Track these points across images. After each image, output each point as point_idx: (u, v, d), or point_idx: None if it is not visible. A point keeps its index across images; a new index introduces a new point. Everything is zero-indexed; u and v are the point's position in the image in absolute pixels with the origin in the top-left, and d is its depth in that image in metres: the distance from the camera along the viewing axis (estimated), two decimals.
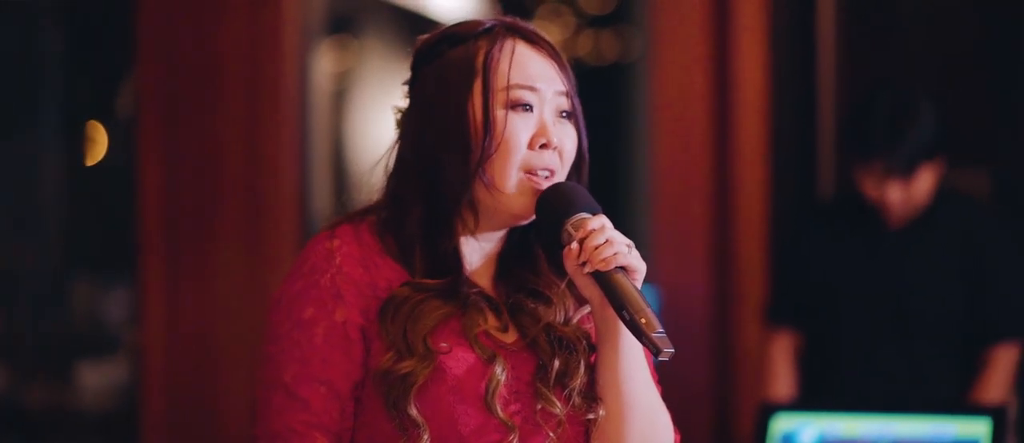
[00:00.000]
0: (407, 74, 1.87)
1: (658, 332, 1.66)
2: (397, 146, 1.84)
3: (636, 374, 1.77)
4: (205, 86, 4.32)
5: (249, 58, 4.30)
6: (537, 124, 1.79)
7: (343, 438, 1.76)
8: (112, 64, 4.89)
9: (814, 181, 4.20)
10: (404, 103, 1.85)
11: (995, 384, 3.64)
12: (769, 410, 3.20)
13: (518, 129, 1.77)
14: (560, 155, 1.80)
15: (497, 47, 1.79)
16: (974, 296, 3.66)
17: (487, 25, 1.82)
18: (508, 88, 1.78)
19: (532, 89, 1.79)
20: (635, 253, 1.73)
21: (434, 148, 1.78)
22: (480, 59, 1.79)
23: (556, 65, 1.82)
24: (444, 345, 1.73)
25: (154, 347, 4.34)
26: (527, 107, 1.79)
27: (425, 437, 1.71)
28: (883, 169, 3.60)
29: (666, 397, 1.83)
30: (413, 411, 1.71)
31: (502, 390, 1.73)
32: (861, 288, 3.70)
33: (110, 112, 5.04)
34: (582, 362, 1.77)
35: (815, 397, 3.70)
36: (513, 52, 1.79)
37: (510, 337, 1.78)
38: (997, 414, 3.04)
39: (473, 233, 1.81)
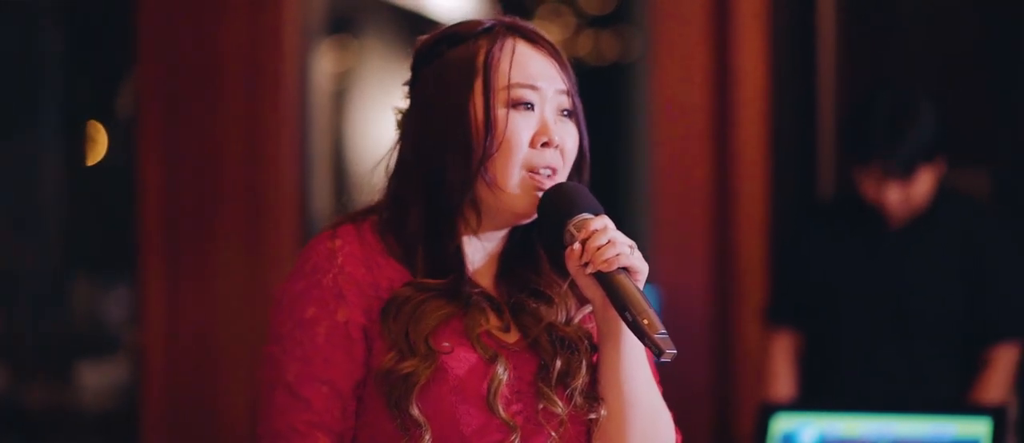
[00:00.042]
0: (407, 74, 1.87)
1: (660, 333, 1.66)
2: (398, 146, 1.84)
3: (638, 374, 1.78)
4: (205, 86, 4.32)
5: (249, 58, 4.30)
6: (538, 123, 1.79)
7: (345, 438, 1.76)
8: (112, 64, 4.89)
9: (814, 181, 4.20)
10: (404, 103, 1.86)
11: (995, 384, 3.64)
12: (769, 410, 3.20)
13: (519, 128, 1.78)
14: (562, 153, 1.80)
15: (498, 46, 1.80)
16: (974, 296, 3.66)
17: (487, 24, 1.83)
18: (509, 87, 1.78)
19: (533, 88, 1.79)
20: (637, 254, 1.73)
21: (435, 148, 1.78)
22: (481, 58, 1.79)
23: (557, 64, 1.82)
24: (446, 345, 1.74)
25: (154, 347, 4.34)
26: (528, 106, 1.79)
27: (427, 437, 1.71)
28: (882, 171, 3.60)
29: (666, 397, 1.83)
30: (415, 411, 1.71)
31: (504, 390, 1.73)
32: (861, 288, 3.70)
33: (110, 112, 5.04)
34: (584, 362, 1.78)
35: (815, 397, 3.70)
36: (514, 51, 1.80)
37: (512, 337, 1.79)
38: (997, 414, 3.04)
39: (475, 233, 1.82)
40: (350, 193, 5.35)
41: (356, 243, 1.78)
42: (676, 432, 1.83)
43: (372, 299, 1.76)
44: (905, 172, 3.58)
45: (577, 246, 1.73)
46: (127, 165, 4.51)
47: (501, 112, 1.78)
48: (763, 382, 3.83)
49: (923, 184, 3.62)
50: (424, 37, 1.85)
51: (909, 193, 3.62)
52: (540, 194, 1.78)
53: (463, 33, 1.82)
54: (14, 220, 4.90)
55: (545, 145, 1.78)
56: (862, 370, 3.69)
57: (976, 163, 4.10)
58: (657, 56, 4.24)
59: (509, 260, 1.84)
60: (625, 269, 1.71)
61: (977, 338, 3.68)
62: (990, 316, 3.67)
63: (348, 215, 1.84)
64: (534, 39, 1.82)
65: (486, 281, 1.82)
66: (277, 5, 4.28)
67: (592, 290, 1.75)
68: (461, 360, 1.73)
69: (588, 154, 1.85)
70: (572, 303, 1.81)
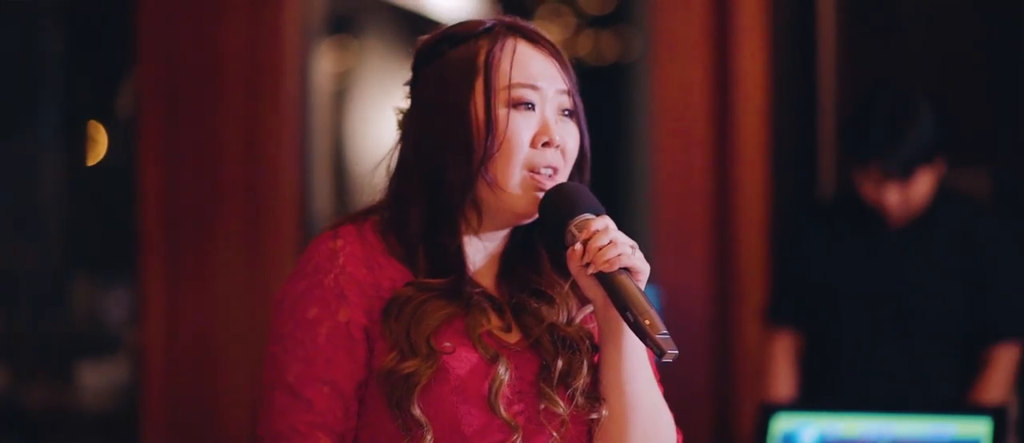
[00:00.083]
0: (408, 74, 1.87)
1: (662, 333, 1.66)
2: (399, 146, 1.84)
3: (639, 374, 1.78)
4: (205, 86, 4.32)
5: (249, 58, 4.30)
6: (539, 122, 1.79)
7: (347, 438, 1.76)
8: (112, 64, 4.89)
9: (814, 181, 4.20)
10: (405, 103, 1.86)
11: (995, 384, 3.64)
12: (769, 410, 3.20)
13: (520, 127, 1.78)
14: (563, 153, 1.80)
15: (498, 46, 1.80)
16: (974, 296, 3.66)
17: (488, 24, 1.83)
18: (510, 87, 1.78)
19: (534, 88, 1.79)
20: (639, 254, 1.73)
21: (436, 148, 1.79)
22: (481, 58, 1.79)
23: (557, 64, 1.82)
24: (447, 345, 1.74)
25: (154, 347, 4.34)
26: (529, 106, 1.79)
27: (428, 437, 1.71)
28: (881, 172, 3.60)
29: (667, 397, 1.83)
30: (416, 411, 1.71)
31: (505, 390, 1.73)
32: (861, 288, 3.70)
33: (110, 112, 5.04)
34: (585, 362, 1.78)
35: (815, 397, 3.70)
36: (514, 51, 1.80)
37: (513, 337, 1.79)
38: (997, 414, 3.04)
39: (476, 233, 1.82)
40: (350, 193, 5.36)
41: (357, 243, 1.78)
42: (677, 432, 1.83)
43: (373, 299, 1.76)
44: (904, 173, 3.58)
45: (578, 246, 1.73)
46: (127, 165, 4.51)
47: (502, 112, 1.78)
48: (763, 382, 3.83)
49: (922, 185, 3.62)
50: (425, 37, 1.85)
51: (908, 194, 3.62)
52: (541, 194, 1.78)
53: (464, 33, 1.82)
54: (14, 220, 4.90)
55: (546, 145, 1.78)
56: (862, 370, 3.69)
57: (976, 163, 4.10)
58: (657, 56, 4.24)
59: (510, 260, 1.84)
60: (626, 269, 1.71)
61: (977, 338, 3.68)
62: (990, 316, 3.67)
63: (349, 215, 1.84)
64: (535, 39, 1.82)
65: (487, 281, 1.82)
66: (277, 5, 4.28)
67: (593, 290, 1.75)
68: (462, 360, 1.73)
69: (589, 154, 1.85)
70: (573, 303, 1.81)
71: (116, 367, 4.90)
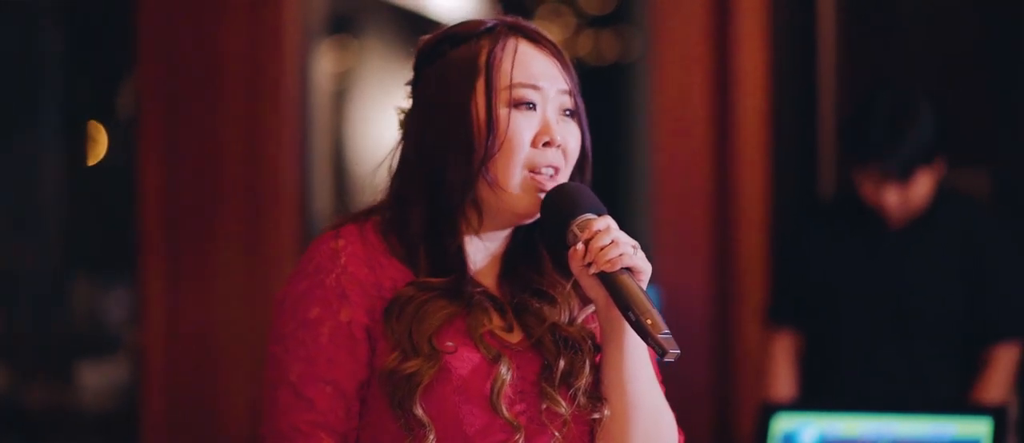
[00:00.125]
0: (408, 74, 1.87)
1: (664, 333, 1.66)
2: (400, 146, 1.84)
3: (641, 374, 1.78)
4: (205, 86, 4.32)
5: (249, 58, 4.30)
6: (540, 122, 1.79)
7: (349, 438, 1.76)
8: (112, 64, 4.89)
9: (814, 181, 4.20)
10: (407, 103, 1.86)
11: (995, 384, 3.64)
12: (770, 410, 3.20)
13: (521, 127, 1.78)
14: (564, 153, 1.80)
15: (499, 46, 1.80)
16: (974, 296, 3.66)
17: (489, 24, 1.83)
18: (511, 87, 1.78)
19: (535, 88, 1.79)
20: (640, 254, 1.73)
21: (437, 148, 1.79)
22: (482, 58, 1.79)
23: (559, 64, 1.82)
24: (449, 344, 1.74)
25: (154, 347, 4.34)
26: (530, 106, 1.79)
27: (431, 437, 1.71)
28: (880, 173, 3.60)
29: (667, 397, 1.83)
30: (418, 411, 1.71)
31: (507, 390, 1.73)
32: (861, 288, 3.70)
33: (110, 112, 5.04)
34: (587, 362, 1.78)
35: (815, 397, 3.70)
36: (516, 51, 1.80)
37: (515, 337, 1.79)
38: (998, 414, 3.04)
39: (477, 232, 1.82)
40: (350, 193, 5.36)
41: (359, 243, 1.78)
42: (679, 432, 1.83)
43: (375, 299, 1.76)
44: (903, 175, 3.58)
45: (580, 246, 1.73)
46: (127, 165, 4.51)
47: (503, 112, 1.78)
48: (763, 382, 3.83)
49: (922, 186, 3.62)
50: (426, 37, 1.85)
51: (907, 195, 3.62)
52: (541, 194, 1.78)
53: (465, 33, 1.82)
54: (14, 220, 4.90)
55: (547, 145, 1.78)
56: (862, 370, 3.69)
57: (976, 163, 4.10)
58: (657, 56, 4.24)
59: (512, 260, 1.84)
60: (628, 269, 1.71)
61: (977, 338, 3.68)
62: (990, 316, 3.67)
63: (351, 215, 1.84)
64: (536, 39, 1.82)
65: (489, 281, 1.82)
66: (277, 5, 4.28)
67: (595, 290, 1.75)
68: (464, 360, 1.73)
69: (590, 154, 1.85)
70: (575, 303, 1.81)
71: (116, 367, 4.90)
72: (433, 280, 1.77)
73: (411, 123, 1.83)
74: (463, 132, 1.77)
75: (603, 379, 1.78)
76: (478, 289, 1.79)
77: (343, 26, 5.68)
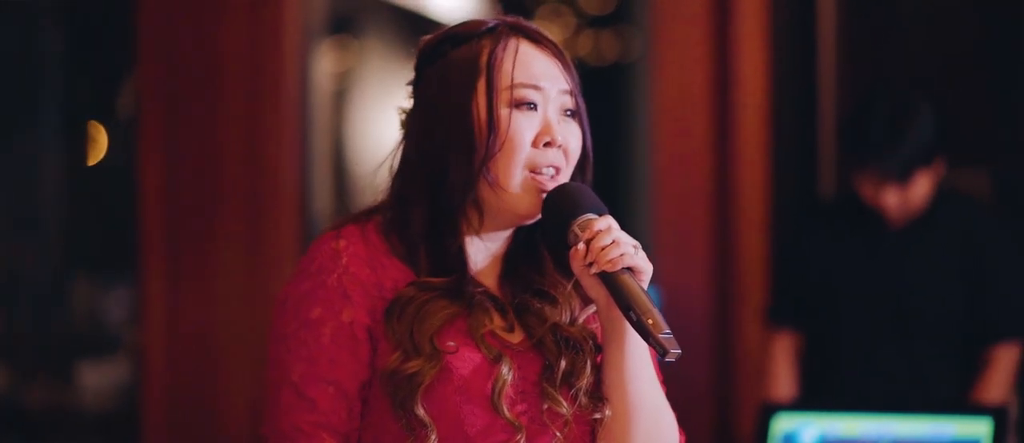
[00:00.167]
0: (409, 74, 1.87)
1: (665, 333, 1.66)
2: (402, 146, 1.84)
3: (642, 374, 1.78)
4: (205, 86, 4.32)
5: (249, 58, 4.30)
6: (541, 122, 1.79)
7: (351, 439, 1.76)
8: (112, 64, 4.89)
9: (814, 181, 4.20)
10: (408, 103, 1.86)
11: (996, 384, 3.64)
12: (770, 410, 3.20)
13: (522, 127, 1.78)
14: (565, 153, 1.80)
15: (501, 46, 1.80)
16: (974, 296, 3.66)
17: (490, 24, 1.83)
18: (512, 87, 1.78)
19: (536, 88, 1.79)
20: (642, 254, 1.73)
21: (438, 148, 1.79)
22: (484, 58, 1.79)
23: (560, 64, 1.82)
24: (451, 344, 1.74)
25: (154, 347, 4.34)
26: (531, 106, 1.79)
27: (432, 437, 1.71)
28: (879, 175, 3.60)
29: (668, 397, 1.83)
30: (420, 411, 1.71)
31: (508, 390, 1.73)
32: (861, 288, 3.70)
33: (110, 112, 5.03)
34: (588, 362, 1.78)
35: (816, 397, 3.70)
36: (517, 51, 1.80)
37: (516, 337, 1.79)
38: (998, 414, 3.04)
39: (478, 233, 1.82)
40: (350, 193, 5.35)
41: (360, 243, 1.78)
42: (680, 433, 1.83)
43: (376, 299, 1.76)
44: (902, 176, 3.59)
45: (581, 246, 1.73)
46: (127, 165, 4.51)
47: (504, 112, 1.78)
48: (764, 382, 3.83)
49: (921, 188, 3.62)
50: (428, 37, 1.85)
51: (907, 196, 3.62)
52: (542, 195, 1.78)
53: (466, 33, 1.82)
54: (14, 220, 4.90)
55: (548, 145, 1.78)
56: (862, 370, 3.69)
57: (976, 163, 4.10)
58: (657, 56, 4.24)
59: (513, 261, 1.84)
60: (629, 269, 1.71)
61: (977, 338, 3.68)
62: (990, 316, 3.67)
63: (352, 215, 1.84)
64: (537, 39, 1.82)
65: (490, 281, 1.82)
66: (277, 5, 4.28)
67: (596, 290, 1.75)
68: (466, 360, 1.73)
69: (591, 154, 1.85)
70: (576, 303, 1.81)
71: (116, 367, 4.90)
72: (434, 280, 1.77)
73: (412, 123, 1.83)
74: (464, 132, 1.77)
75: (604, 379, 1.78)
76: (479, 289, 1.79)
77: (343, 26, 5.68)
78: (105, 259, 4.97)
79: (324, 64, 4.99)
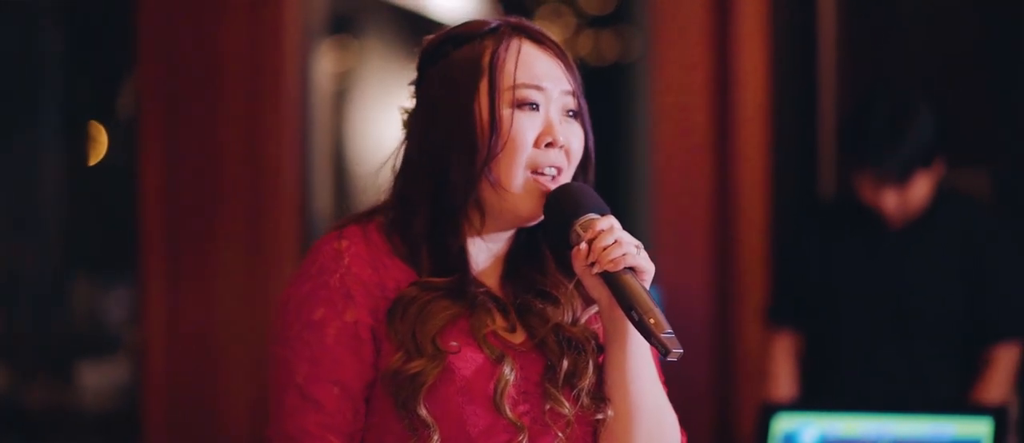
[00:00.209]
0: (410, 74, 1.87)
1: (667, 332, 1.66)
2: (404, 146, 1.84)
3: (644, 374, 1.78)
4: (205, 86, 4.32)
5: (249, 58, 4.29)
6: (543, 123, 1.79)
7: (356, 439, 1.76)
8: (112, 64, 4.89)
9: (814, 181, 4.20)
10: (410, 104, 1.86)
11: (996, 384, 3.64)
12: (770, 410, 3.20)
13: (524, 128, 1.78)
14: (567, 154, 1.80)
15: (503, 47, 1.80)
16: (974, 296, 3.67)
17: (492, 25, 1.83)
18: (514, 87, 1.78)
19: (538, 88, 1.79)
20: (644, 254, 1.73)
21: (440, 148, 1.79)
22: (486, 59, 1.79)
23: (562, 64, 1.82)
24: (453, 345, 1.74)
25: (154, 347, 4.34)
26: (533, 106, 1.79)
27: (435, 437, 1.71)
28: (878, 176, 3.60)
29: (668, 397, 1.83)
30: (423, 411, 1.71)
31: (511, 390, 1.73)
32: (861, 288, 3.70)
33: (110, 112, 5.03)
34: (590, 362, 1.78)
35: (816, 397, 3.70)
36: (519, 51, 1.80)
37: (518, 337, 1.79)
38: (998, 414, 3.05)
39: (480, 233, 1.81)
40: (351, 193, 5.35)
41: (362, 244, 1.78)
42: (681, 433, 1.83)
43: (379, 300, 1.76)
44: (901, 178, 3.59)
45: (583, 246, 1.73)
46: (127, 165, 4.51)
47: (506, 112, 1.78)
48: (764, 382, 3.83)
49: (920, 188, 3.62)
50: (430, 37, 1.85)
51: (906, 197, 3.62)
52: (544, 195, 1.78)
53: (469, 33, 1.82)
54: (14, 220, 4.90)
55: (550, 145, 1.78)
56: (862, 370, 3.69)
57: (976, 163, 4.11)
58: (657, 56, 4.24)
59: (515, 261, 1.84)
60: (631, 269, 1.71)
61: (977, 338, 3.68)
62: (990, 316, 3.67)
63: (354, 215, 1.84)
64: (540, 40, 1.82)
65: (492, 282, 1.82)
66: (277, 5, 4.28)
67: (598, 290, 1.75)
68: (468, 360, 1.73)
69: (594, 155, 1.85)
70: (578, 303, 1.81)
71: (116, 367, 4.90)
72: (436, 280, 1.77)
73: (414, 123, 1.83)
74: (466, 132, 1.77)
75: (606, 379, 1.78)
76: (481, 289, 1.79)
77: (343, 26, 5.68)
78: (105, 259, 4.97)
79: (324, 64, 4.98)
